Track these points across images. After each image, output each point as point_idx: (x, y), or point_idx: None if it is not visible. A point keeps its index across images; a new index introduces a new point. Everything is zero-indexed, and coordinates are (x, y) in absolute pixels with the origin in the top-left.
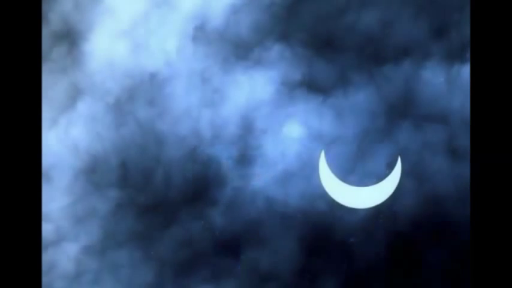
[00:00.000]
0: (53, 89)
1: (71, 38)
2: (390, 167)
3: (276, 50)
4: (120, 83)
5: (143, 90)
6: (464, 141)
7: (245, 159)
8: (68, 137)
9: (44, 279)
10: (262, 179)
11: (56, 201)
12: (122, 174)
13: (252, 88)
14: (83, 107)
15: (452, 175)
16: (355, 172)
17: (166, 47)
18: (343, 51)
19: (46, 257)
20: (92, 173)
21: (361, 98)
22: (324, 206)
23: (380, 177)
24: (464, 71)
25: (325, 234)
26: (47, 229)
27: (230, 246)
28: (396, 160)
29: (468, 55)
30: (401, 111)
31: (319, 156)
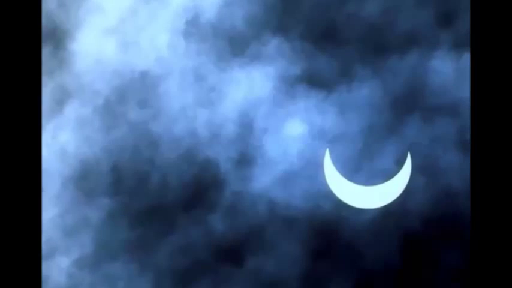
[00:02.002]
0: None
1: (57, 37)
2: (399, 163)
3: (273, 44)
4: (110, 83)
5: (134, 90)
6: None
7: (245, 160)
8: (55, 142)
9: None
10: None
11: (45, 210)
12: (114, 180)
13: (250, 85)
14: (71, 110)
15: (466, 170)
16: (362, 170)
17: (157, 43)
18: (345, 43)
19: None
20: (82, 180)
21: (365, 92)
22: (330, 206)
23: (389, 175)
24: None
25: (331, 236)
26: None
27: (231, 253)
28: (405, 156)
29: None
30: (409, 105)
31: (323, 155)
